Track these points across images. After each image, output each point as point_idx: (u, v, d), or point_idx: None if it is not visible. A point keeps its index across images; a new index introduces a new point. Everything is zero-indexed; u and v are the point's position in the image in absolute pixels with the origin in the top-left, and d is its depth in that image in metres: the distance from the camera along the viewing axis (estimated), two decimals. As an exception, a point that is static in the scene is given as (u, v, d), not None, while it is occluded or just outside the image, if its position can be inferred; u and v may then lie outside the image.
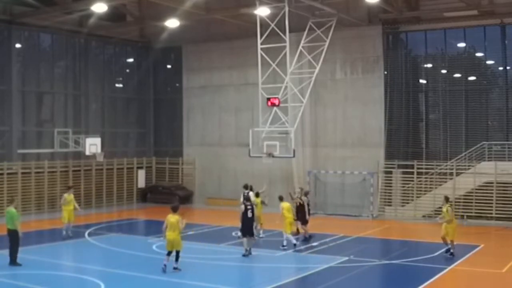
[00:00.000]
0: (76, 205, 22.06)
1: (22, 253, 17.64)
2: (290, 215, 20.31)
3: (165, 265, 16.29)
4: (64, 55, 31.59)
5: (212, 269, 17.56)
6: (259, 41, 25.74)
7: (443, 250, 18.73)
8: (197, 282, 15.59)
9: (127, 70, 36.17)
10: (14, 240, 17.00)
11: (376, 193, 28.41)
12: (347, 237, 22.60)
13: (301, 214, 21.65)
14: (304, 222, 21.69)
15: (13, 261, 16.99)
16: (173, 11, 27.84)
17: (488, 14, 26.45)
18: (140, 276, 16.17)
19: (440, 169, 27.09)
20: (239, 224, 19.24)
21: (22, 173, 28.62)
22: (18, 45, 29.27)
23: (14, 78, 28.82)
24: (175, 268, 16.44)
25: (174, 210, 16.69)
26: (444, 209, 18.81)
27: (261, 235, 21.81)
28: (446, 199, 19.22)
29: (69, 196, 21.90)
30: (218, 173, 33.57)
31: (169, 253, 16.41)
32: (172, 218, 16.46)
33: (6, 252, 17.16)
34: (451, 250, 18.51)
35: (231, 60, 33.09)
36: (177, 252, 16.55)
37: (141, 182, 34.57)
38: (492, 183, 25.82)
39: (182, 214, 24.26)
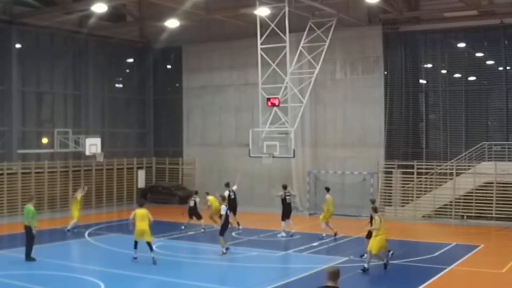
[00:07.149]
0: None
1: (22, 253, 17.65)
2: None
3: (135, 258, 17.49)
4: (64, 55, 31.57)
5: (212, 269, 17.57)
6: (259, 41, 25.71)
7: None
8: (197, 282, 15.58)
9: (127, 70, 36.16)
10: (28, 236, 17.70)
11: (376, 193, 28.38)
12: (347, 237, 22.59)
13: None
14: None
15: (27, 257, 17.59)
16: (173, 11, 27.83)
17: (488, 14, 26.45)
18: (140, 276, 16.19)
19: (440, 169, 27.08)
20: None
21: (22, 173, 28.61)
22: (18, 45, 29.25)
23: (14, 78, 28.80)
24: (153, 258, 17.42)
25: (141, 205, 18.11)
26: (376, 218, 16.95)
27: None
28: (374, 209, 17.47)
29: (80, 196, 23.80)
30: (218, 173, 33.51)
31: (136, 245, 17.59)
32: (140, 211, 17.70)
33: (6, 252, 17.13)
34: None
35: (231, 60, 33.08)
36: (149, 244, 17.52)
37: (141, 182, 34.55)
38: (492, 183, 25.81)
39: (182, 214, 24.50)
